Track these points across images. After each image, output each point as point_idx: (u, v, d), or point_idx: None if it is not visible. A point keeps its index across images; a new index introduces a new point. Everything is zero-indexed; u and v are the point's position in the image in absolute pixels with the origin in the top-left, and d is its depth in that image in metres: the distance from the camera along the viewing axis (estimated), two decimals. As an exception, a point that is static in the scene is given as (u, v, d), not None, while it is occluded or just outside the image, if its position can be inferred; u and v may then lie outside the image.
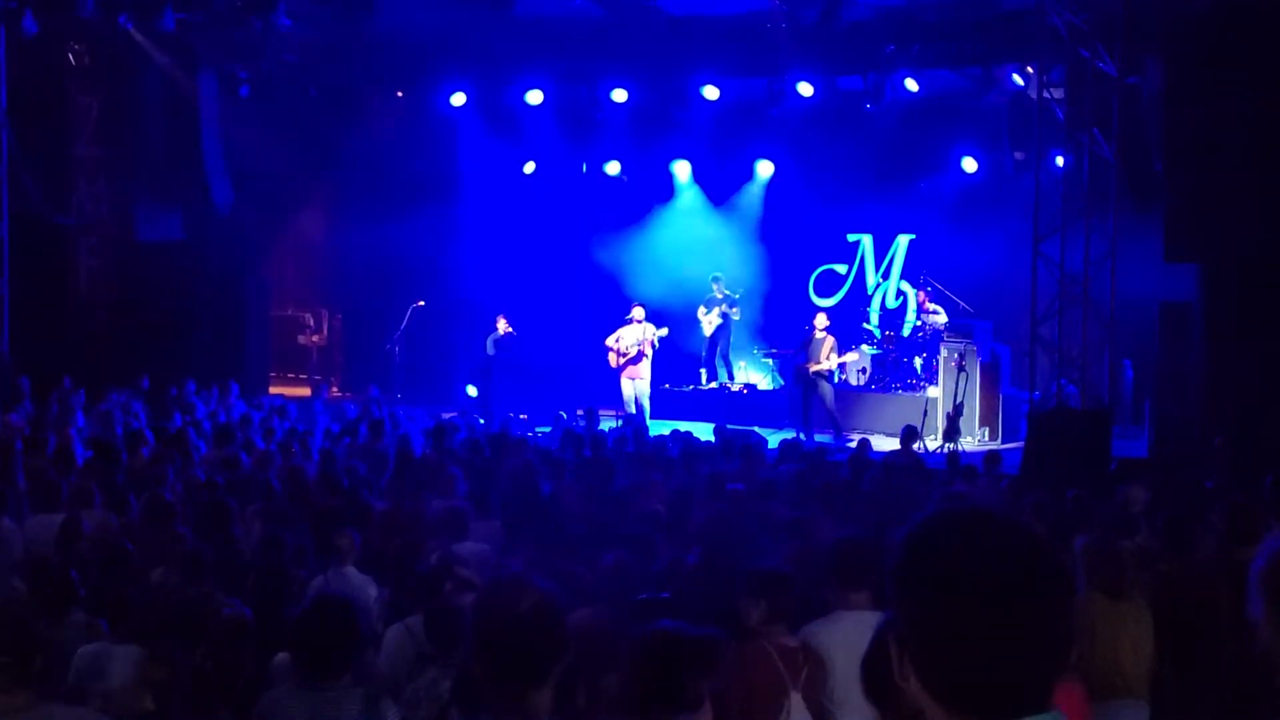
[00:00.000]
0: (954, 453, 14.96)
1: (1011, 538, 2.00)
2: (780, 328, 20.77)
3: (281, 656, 5.57)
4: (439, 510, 9.30)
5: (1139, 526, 8.52)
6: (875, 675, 3.43)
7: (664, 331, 19.22)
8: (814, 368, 18.14)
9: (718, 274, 21.14)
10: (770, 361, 21.00)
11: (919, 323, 19.72)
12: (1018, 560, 1.98)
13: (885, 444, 15.58)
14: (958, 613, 1.95)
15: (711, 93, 19.51)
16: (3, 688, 3.95)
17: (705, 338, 21.23)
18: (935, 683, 1.98)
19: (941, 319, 19.07)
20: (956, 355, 17.65)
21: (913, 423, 17.18)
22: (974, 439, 17.35)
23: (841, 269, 21.65)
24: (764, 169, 21.68)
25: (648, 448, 13.76)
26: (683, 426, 16.06)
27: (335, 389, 22.70)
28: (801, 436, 17.13)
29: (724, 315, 20.97)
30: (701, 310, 21.05)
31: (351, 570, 7.80)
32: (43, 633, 4.28)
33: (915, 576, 2.02)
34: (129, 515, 9.58)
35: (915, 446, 16.47)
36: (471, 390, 20.36)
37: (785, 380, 20.33)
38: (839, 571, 5.98)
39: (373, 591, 7.68)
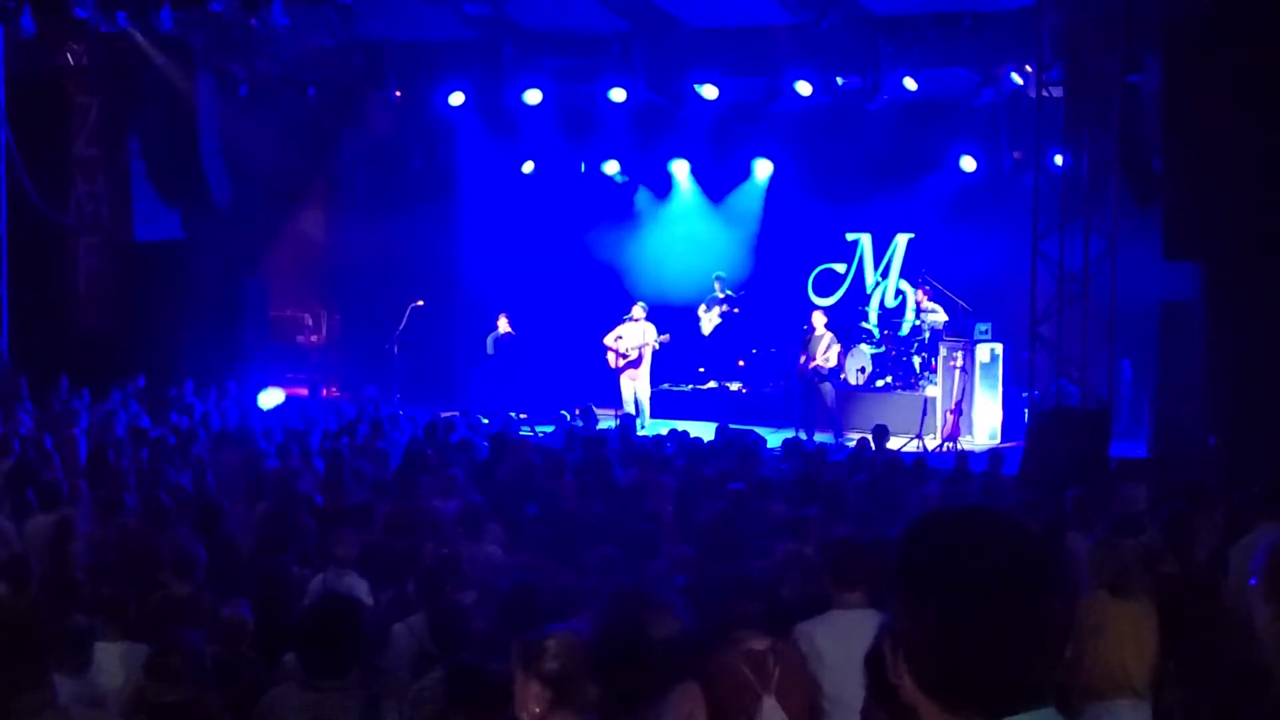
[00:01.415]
0: (962, 453, 14.94)
1: (1005, 535, 2.01)
2: (779, 327, 20.75)
3: (290, 655, 5.57)
4: (453, 509, 9.32)
5: (1144, 526, 8.52)
6: (878, 674, 3.43)
7: (665, 337, 19.22)
8: (812, 364, 18.16)
9: (720, 273, 21.14)
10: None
11: (918, 322, 19.72)
12: (1010, 557, 1.98)
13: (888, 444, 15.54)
14: (951, 610, 1.96)
15: (710, 92, 19.49)
16: (15, 690, 3.94)
17: (704, 337, 21.21)
18: (930, 681, 1.99)
19: (940, 318, 19.06)
20: (956, 354, 17.65)
21: (910, 421, 17.28)
22: (973, 438, 17.35)
23: (840, 268, 21.64)
24: (762, 168, 21.66)
25: (638, 446, 13.75)
26: (682, 426, 16.05)
27: (334, 389, 22.68)
28: (802, 436, 17.13)
29: (724, 315, 20.95)
30: (702, 309, 21.04)
31: (350, 572, 7.79)
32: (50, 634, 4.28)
33: (908, 574, 2.03)
34: (126, 516, 9.59)
35: (910, 445, 16.57)
36: None
37: (774, 380, 20.30)
38: (834, 570, 5.99)
39: (365, 593, 7.66)
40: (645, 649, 3.21)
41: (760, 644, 5.54)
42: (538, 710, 2.79)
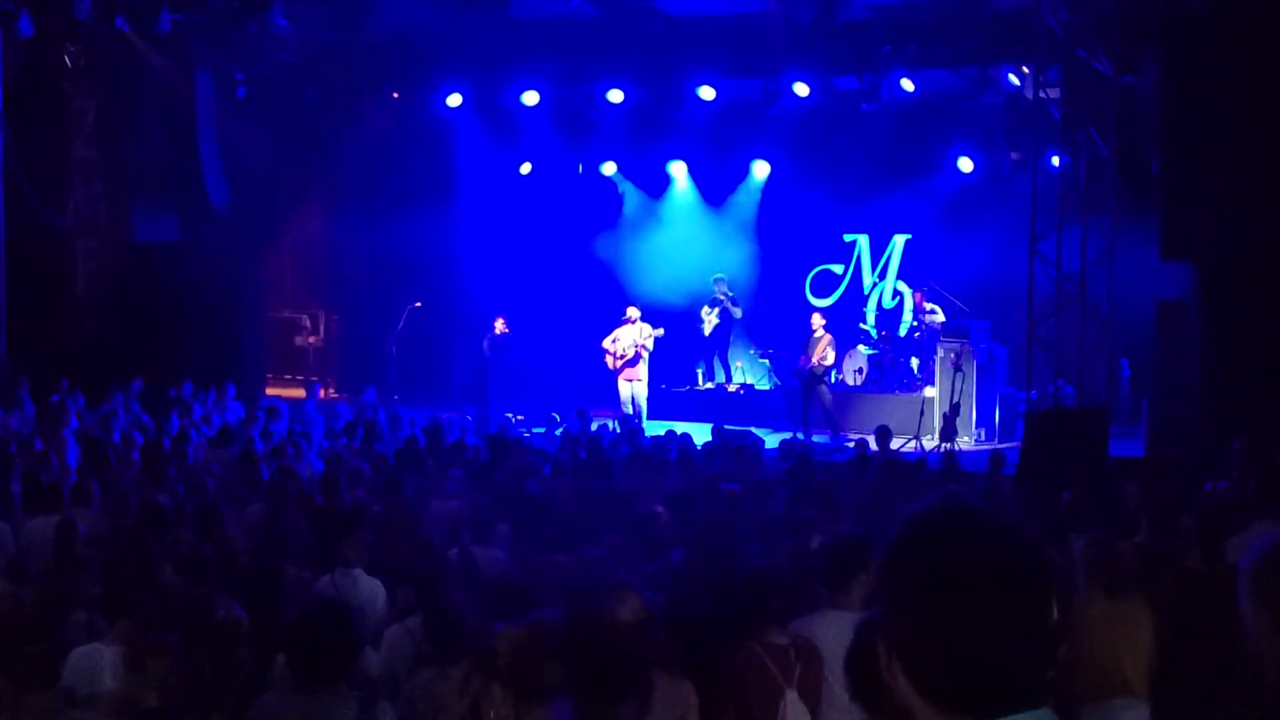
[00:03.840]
0: (951, 453, 14.97)
1: (996, 533, 2.00)
2: (777, 328, 20.76)
3: (283, 658, 5.57)
4: (453, 510, 9.33)
5: (1139, 526, 8.53)
6: (860, 675, 3.43)
7: (659, 332, 19.22)
8: (809, 365, 18.15)
9: (719, 274, 21.14)
10: (766, 361, 20.98)
11: (915, 323, 19.72)
12: (1002, 555, 1.98)
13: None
14: (943, 608, 1.95)
15: (707, 93, 19.50)
16: (24, 690, 3.94)
17: (705, 338, 21.22)
18: (923, 680, 1.98)
19: (938, 319, 19.07)
20: (953, 355, 17.64)
21: (908, 422, 17.28)
22: (971, 439, 17.35)
23: (838, 269, 21.64)
24: (760, 169, 21.67)
25: (643, 448, 13.77)
26: (680, 427, 16.05)
27: (332, 390, 22.69)
28: (800, 437, 17.14)
29: (723, 315, 20.96)
30: (705, 310, 21.05)
31: (360, 573, 7.79)
32: (56, 636, 4.29)
33: (901, 572, 2.02)
34: (125, 517, 9.59)
35: (908, 446, 16.58)
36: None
37: (782, 380, 20.32)
38: (829, 571, 6.01)
39: (382, 594, 7.68)
40: (610, 633, 3.20)
41: (782, 639, 5.58)
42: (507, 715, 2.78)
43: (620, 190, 22.74)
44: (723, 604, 5.87)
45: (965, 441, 17.04)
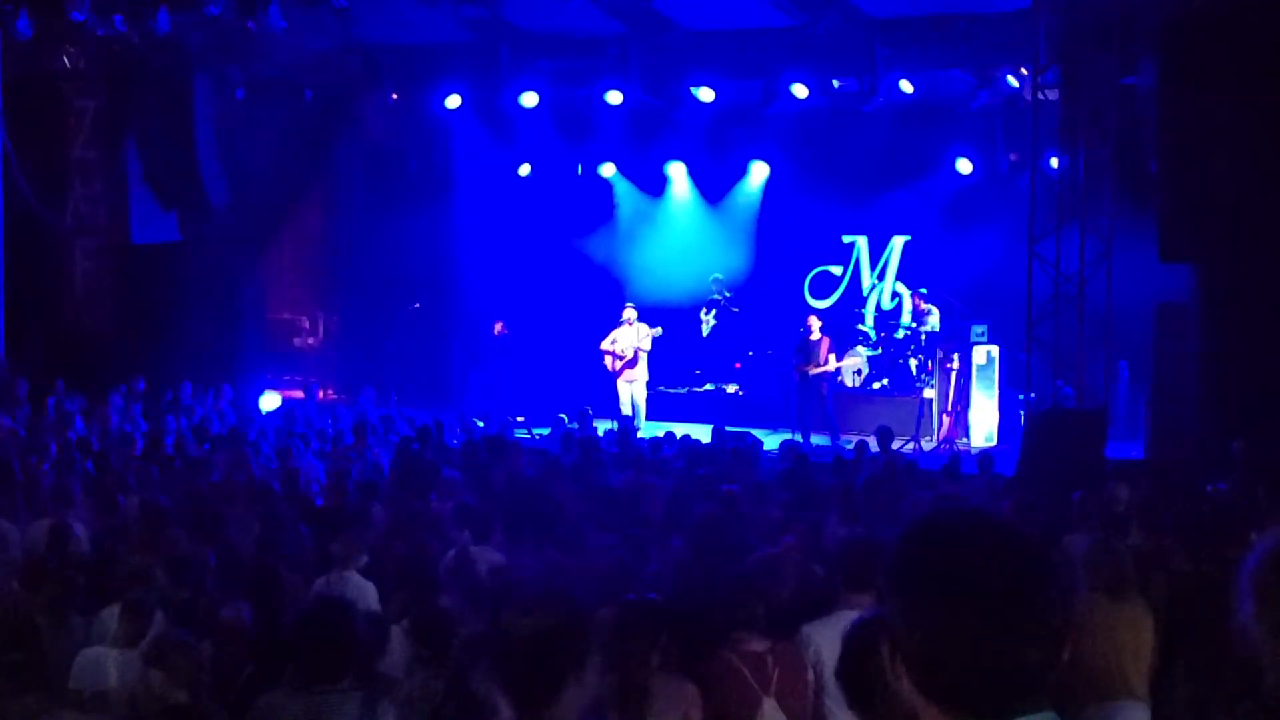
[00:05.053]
0: (955, 454, 14.97)
1: (1004, 537, 2.02)
2: (775, 329, 20.75)
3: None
4: (454, 509, 9.32)
5: (1130, 527, 8.53)
6: (854, 678, 3.42)
7: (657, 331, 19.20)
8: (813, 370, 18.13)
9: (718, 274, 21.14)
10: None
11: (913, 324, 19.72)
12: (1010, 559, 1.99)
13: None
14: (950, 612, 1.96)
15: (706, 94, 19.49)
16: (12, 691, 3.94)
17: (703, 339, 21.22)
18: (928, 682, 1.99)
19: (936, 319, 19.07)
20: (952, 356, 17.65)
21: (906, 423, 17.29)
22: (969, 440, 17.35)
23: (837, 270, 21.64)
24: (759, 170, 21.67)
25: (637, 450, 13.76)
26: (679, 428, 16.04)
27: (331, 391, 22.69)
28: (798, 438, 17.13)
29: (720, 317, 20.97)
30: (703, 312, 21.06)
31: (354, 574, 7.80)
32: (48, 636, 4.28)
33: (908, 576, 2.03)
34: (122, 518, 9.59)
35: (906, 447, 16.57)
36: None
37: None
38: (845, 571, 5.99)
39: (373, 595, 7.67)
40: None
41: (759, 645, 5.54)
42: None
43: (619, 191, 22.74)
44: (707, 607, 5.85)
45: (963, 443, 17.06)
